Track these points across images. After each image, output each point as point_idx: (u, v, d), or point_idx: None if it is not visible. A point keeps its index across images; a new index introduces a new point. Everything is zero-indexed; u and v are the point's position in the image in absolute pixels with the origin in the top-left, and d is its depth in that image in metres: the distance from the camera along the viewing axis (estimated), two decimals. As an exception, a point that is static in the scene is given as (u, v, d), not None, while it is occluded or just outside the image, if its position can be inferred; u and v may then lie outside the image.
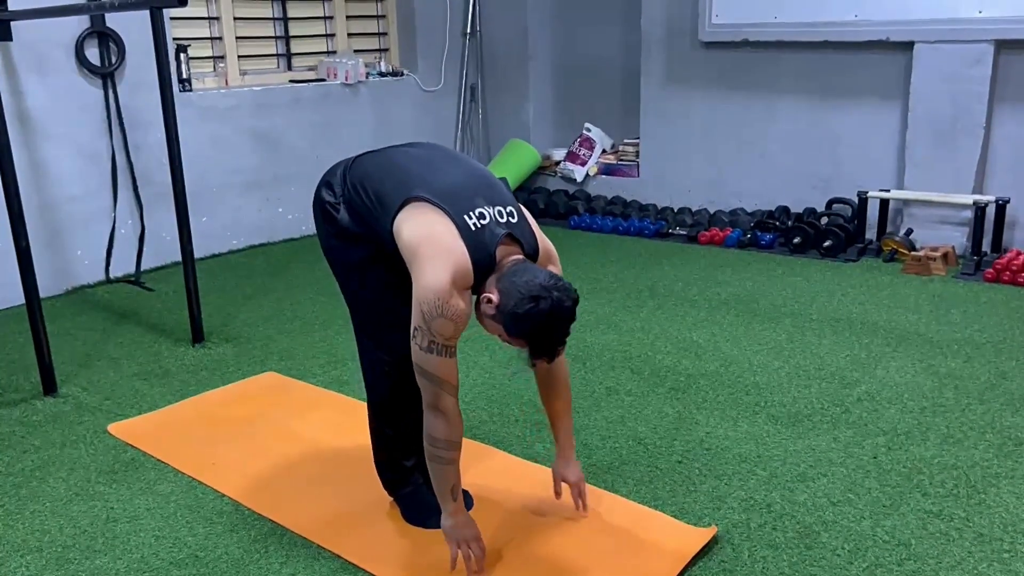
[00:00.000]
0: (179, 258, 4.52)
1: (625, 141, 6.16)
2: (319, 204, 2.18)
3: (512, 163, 6.11)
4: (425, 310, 1.88)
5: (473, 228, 1.92)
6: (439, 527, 2.11)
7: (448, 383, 1.94)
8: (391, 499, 2.42)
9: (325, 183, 2.18)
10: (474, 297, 1.98)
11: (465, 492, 2.38)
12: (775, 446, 2.73)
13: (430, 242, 1.92)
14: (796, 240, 4.97)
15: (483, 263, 1.92)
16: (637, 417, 2.95)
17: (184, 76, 4.91)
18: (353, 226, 2.11)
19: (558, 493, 2.32)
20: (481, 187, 2.02)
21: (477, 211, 1.95)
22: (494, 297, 1.90)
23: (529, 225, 2.05)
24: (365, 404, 2.35)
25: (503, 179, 2.14)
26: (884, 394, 3.08)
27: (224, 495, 2.51)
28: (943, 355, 3.42)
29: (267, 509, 2.43)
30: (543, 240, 2.08)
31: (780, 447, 2.72)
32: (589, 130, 6.17)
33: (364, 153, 2.19)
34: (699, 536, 2.22)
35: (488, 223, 1.94)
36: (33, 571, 2.19)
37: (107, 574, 2.17)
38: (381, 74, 5.92)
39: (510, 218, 1.99)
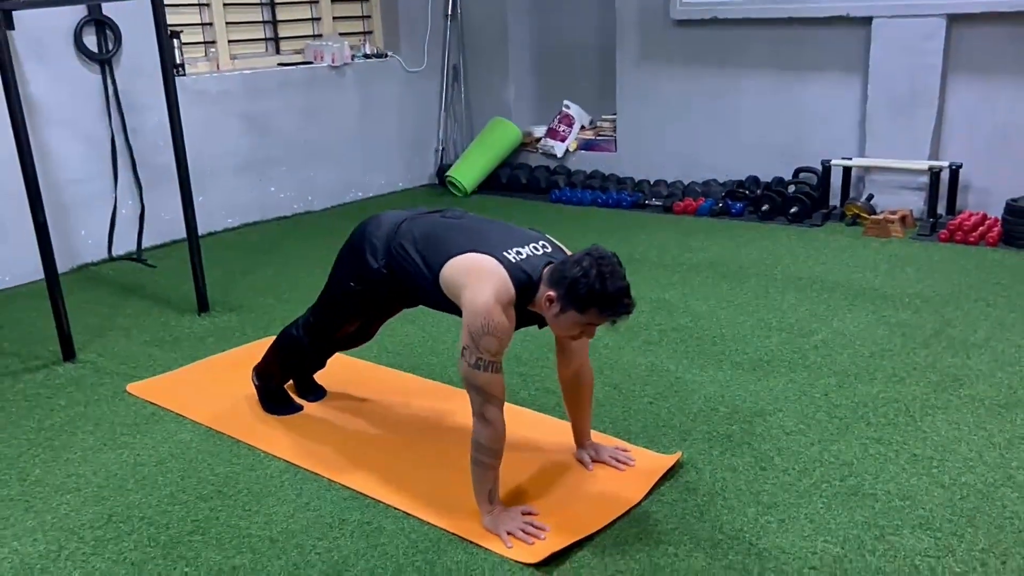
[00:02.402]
0: (178, 236, 4.82)
1: (603, 117, 6.42)
2: (361, 256, 2.47)
3: (495, 141, 6.35)
4: (473, 331, 2.12)
5: (514, 260, 2.20)
6: (286, 415, 2.83)
7: (494, 396, 2.16)
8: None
9: (370, 244, 2.46)
10: (523, 316, 2.21)
11: (320, 388, 3.03)
12: (737, 388, 3.02)
13: (473, 272, 2.19)
14: (764, 208, 5.25)
15: (524, 283, 2.16)
16: (613, 367, 3.23)
17: (178, 61, 5.11)
18: (383, 274, 2.43)
19: (587, 466, 2.54)
20: (513, 235, 2.31)
21: (514, 250, 2.23)
22: (551, 293, 2.12)
23: (563, 251, 2.32)
24: (362, 361, 2.88)
25: (536, 230, 2.41)
26: (838, 342, 3.37)
27: (240, 441, 2.78)
28: (895, 308, 3.71)
29: (280, 450, 2.70)
30: None
31: (742, 389, 3.01)
32: (568, 107, 6.41)
33: (403, 224, 2.44)
34: (666, 460, 2.51)
35: (526, 256, 2.22)
36: (74, 507, 2.45)
37: (141, 507, 2.43)
38: (366, 56, 6.15)
39: (544, 249, 2.27)
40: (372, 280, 2.48)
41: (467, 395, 2.83)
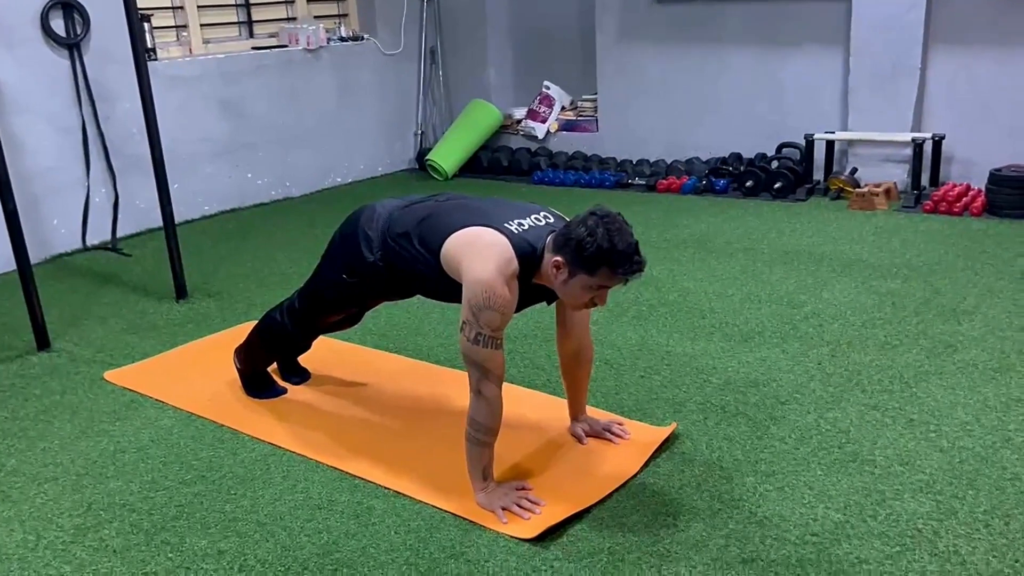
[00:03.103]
0: (153, 224, 4.71)
1: (583, 97, 6.35)
2: (354, 248, 2.38)
3: (475, 123, 6.28)
4: (474, 304, 2.04)
5: (516, 231, 2.12)
6: (269, 398, 2.79)
7: (493, 372, 2.08)
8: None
9: (364, 236, 2.37)
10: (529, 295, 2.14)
11: (304, 370, 2.97)
12: (729, 359, 2.98)
13: (473, 244, 2.11)
14: (748, 183, 5.21)
15: (528, 253, 2.08)
16: (603, 342, 3.17)
17: (149, 46, 4.99)
18: (378, 267, 2.35)
19: (582, 440, 2.48)
20: (514, 208, 2.24)
21: (516, 221, 2.15)
22: (558, 259, 2.03)
23: (565, 220, 2.23)
24: (346, 343, 2.88)
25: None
26: (829, 312, 3.34)
27: (223, 425, 2.70)
28: (883, 278, 3.69)
29: (264, 433, 2.63)
30: None
31: (734, 360, 2.97)
32: (548, 88, 6.35)
33: (396, 212, 2.36)
34: (661, 432, 2.46)
35: (529, 227, 2.14)
36: (52, 496, 2.37)
37: (122, 494, 2.35)
38: (342, 39, 6.04)
39: (547, 219, 2.20)
40: (367, 273, 2.39)
41: (456, 375, 2.78)
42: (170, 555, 2.08)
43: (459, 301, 2.12)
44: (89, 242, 4.81)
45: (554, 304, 2.35)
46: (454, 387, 2.79)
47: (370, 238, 2.37)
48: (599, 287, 2.04)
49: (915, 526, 2.02)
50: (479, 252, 2.08)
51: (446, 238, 2.17)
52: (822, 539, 2.00)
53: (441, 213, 2.27)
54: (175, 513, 2.25)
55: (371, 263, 2.36)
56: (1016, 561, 1.89)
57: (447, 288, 2.21)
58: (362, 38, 6.16)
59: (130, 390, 2.99)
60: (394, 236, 2.32)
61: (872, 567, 1.89)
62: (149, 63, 4.90)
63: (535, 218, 2.19)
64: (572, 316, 2.34)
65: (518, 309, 2.18)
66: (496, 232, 2.10)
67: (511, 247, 2.07)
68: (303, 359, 3.02)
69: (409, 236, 2.27)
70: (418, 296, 2.48)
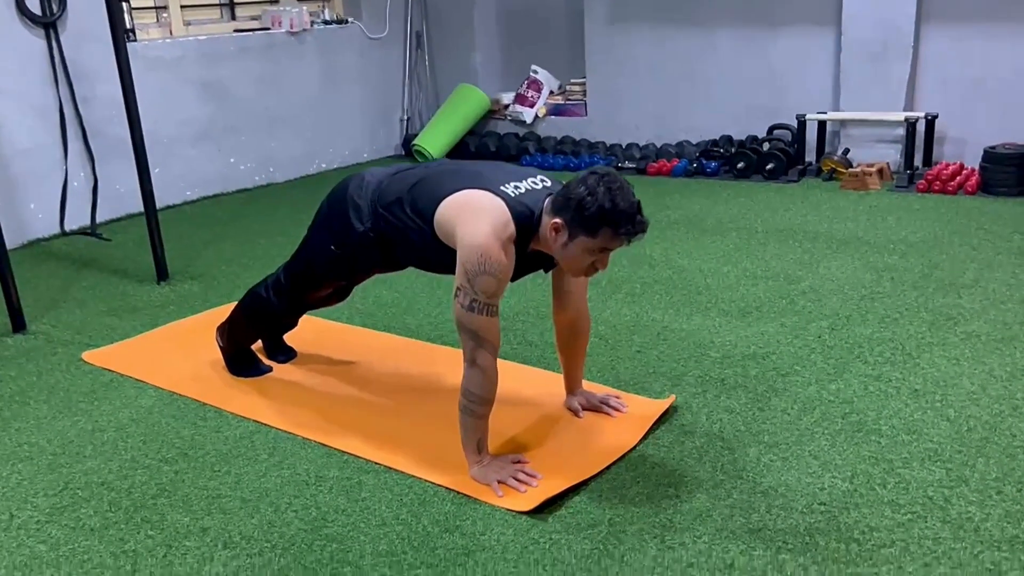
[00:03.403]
0: (134, 210, 4.59)
1: (572, 81, 6.27)
2: (343, 218, 2.28)
3: (462, 108, 6.18)
4: (468, 268, 1.94)
5: (513, 194, 2.02)
6: (254, 377, 2.71)
7: (488, 341, 1.99)
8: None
9: (354, 205, 2.26)
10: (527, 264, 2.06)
11: (290, 348, 2.88)
12: (727, 333, 2.90)
13: (468, 207, 2.01)
14: (740, 165, 5.15)
15: (526, 217, 1.99)
16: (597, 319, 3.08)
17: (128, 26, 4.88)
18: (369, 238, 2.25)
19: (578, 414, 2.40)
20: (507, 171, 2.15)
21: (512, 184, 2.05)
22: (557, 221, 1.94)
23: (562, 185, 2.15)
24: (330, 321, 2.89)
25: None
26: (827, 287, 3.28)
27: (206, 404, 2.60)
28: (880, 254, 3.63)
29: (249, 411, 2.53)
30: None
31: (732, 334, 2.90)
32: (536, 72, 6.26)
33: (386, 180, 2.26)
34: (659, 405, 2.39)
35: (526, 190, 2.05)
36: (26, 476, 2.26)
37: (100, 473, 2.25)
38: (326, 22, 5.94)
39: (544, 183, 2.10)
40: (357, 243, 2.29)
41: (448, 352, 2.70)
42: (150, 533, 1.98)
43: (454, 272, 2.02)
44: (67, 227, 4.69)
45: (550, 275, 2.27)
46: (446, 364, 2.71)
47: (359, 207, 2.27)
48: (600, 250, 1.95)
49: (926, 494, 1.96)
50: (474, 215, 1.99)
51: (439, 203, 2.07)
52: (830, 508, 1.92)
53: (433, 178, 2.18)
54: (155, 491, 2.15)
55: (361, 233, 2.27)
56: (1032, 527, 1.82)
57: (441, 257, 2.11)
58: (346, 21, 6.05)
59: (109, 370, 2.89)
60: (385, 204, 2.22)
61: (883, 535, 1.82)
62: (128, 44, 4.81)
63: (532, 182, 2.10)
64: (569, 284, 2.26)
65: (515, 277, 2.09)
66: (492, 195, 2.02)
67: (508, 210, 1.98)
68: (289, 337, 2.92)
69: (401, 203, 2.18)
70: (407, 275, 2.39)
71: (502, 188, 2.03)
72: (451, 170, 2.22)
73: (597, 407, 2.40)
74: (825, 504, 1.94)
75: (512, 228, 1.98)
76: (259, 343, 2.89)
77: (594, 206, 1.88)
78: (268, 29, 5.62)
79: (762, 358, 2.70)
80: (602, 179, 1.90)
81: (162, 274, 3.77)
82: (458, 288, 1.98)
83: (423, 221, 2.11)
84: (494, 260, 1.94)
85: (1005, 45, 4.63)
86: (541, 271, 2.22)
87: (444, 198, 2.07)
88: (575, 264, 2.00)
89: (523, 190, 2.05)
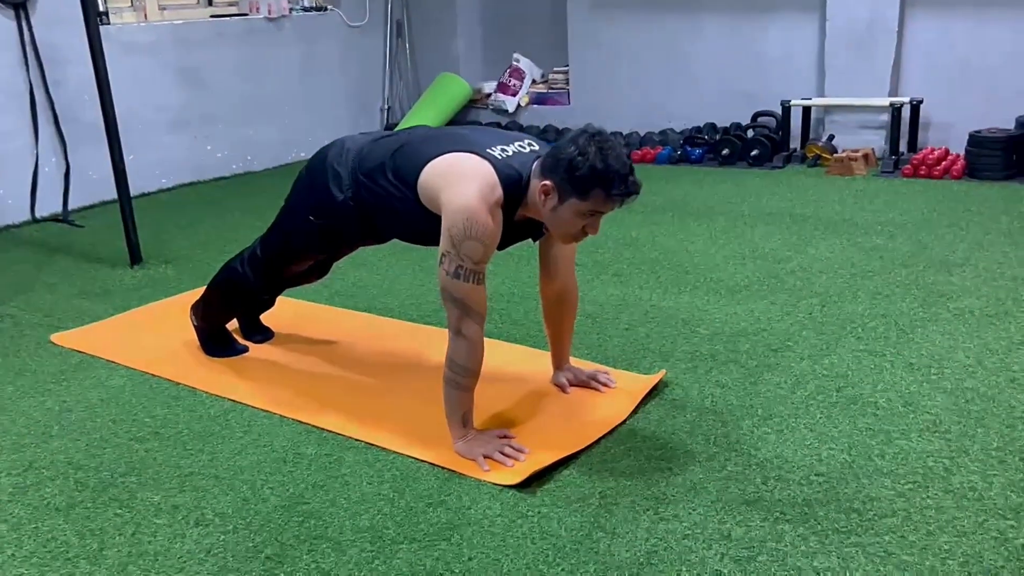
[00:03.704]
0: (107, 196, 4.47)
1: (555, 70, 6.20)
2: (322, 186, 2.18)
3: (443, 97, 6.10)
4: (454, 233, 1.85)
5: (500, 156, 1.93)
6: (229, 357, 2.61)
7: (474, 310, 1.91)
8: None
9: (333, 173, 2.17)
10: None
11: (267, 329, 2.77)
12: (716, 311, 2.84)
13: (453, 170, 1.92)
14: (725, 152, 5.10)
15: (514, 180, 1.90)
16: (584, 299, 2.99)
17: (101, 9, 4.76)
18: (349, 207, 2.15)
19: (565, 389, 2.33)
20: (495, 135, 2.06)
21: (499, 147, 1.96)
22: (547, 183, 1.86)
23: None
24: (303, 301, 2.82)
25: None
26: (816, 267, 3.22)
27: (180, 383, 2.51)
28: (868, 234, 3.58)
29: (224, 390, 2.44)
30: None
31: (721, 311, 2.83)
32: (518, 61, 6.19)
33: (367, 146, 2.17)
34: (649, 380, 2.32)
35: (513, 153, 1.96)
36: (-12, 456, 2.16)
37: (67, 453, 2.15)
38: (305, 9, 5.83)
39: (532, 147, 2.01)
40: (336, 213, 2.19)
41: (430, 331, 2.61)
42: (119, 511, 1.89)
43: (439, 242, 1.94)
44: (38, 213, 4.56)
45: (536, 246, 2.19)
46: (429, 343, 2.63)
47: (339, 175, 2.18)
48: (591, 213, 1.87)
49: (926, 464, 1.90)
50: (460, 178, 1.90)
51: (423, 167, 1.98)
52: (828, 479, 1.86)
53: (417, 142, 2.09)
54: (125, 470, 2.06)
55: (341, 202, 2.17)
56: (1036, 495, 1.77)
57: (425, 225, 2.01)
58: (326, 8, 5.95)
59: (79, 352, 2.78)
60: (366, 171, 2.13)
61: (884, 504, 1.76)
62: (101, 27, 4.70)
63: (519, 145, 2.02)
64: (557, 255, 2.18)
65: (502, 246, 2.01)
66: (479, 158, 1.93)
67: (495, 173, 1.90)
68: (266, 318, 2.83)
69: (383, 169, 2.08)
70: (388, 256, 2.30)
71: (489, 151, 1.95)
72: (435, 134, 2.14)
73: (585, 383, 2.32)
74: (823, 475, 1.88)
75: (499, 192, 1.90)
76: (235, 324, 2.80)
77: (585, 166, 1.80)
78: (246, 15, 5.51)
79: (753, 335, 2.64)
80: (593, 138, 1.83)
81: (135, 258, 3.66)
82: (443, 254, 1.89)
83: (406, 187, 2.02)
84: (481, 224, 1.85)
85: (989, 29, 4.61)
86: (530, 240, 2.14)
87: (428, 162, 1.98)
88: (565, 229, 1.92)
89: (510, 153, 1.97)
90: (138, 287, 3.42)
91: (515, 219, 1.98)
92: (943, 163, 4.53)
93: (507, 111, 6.15)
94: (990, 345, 2.47)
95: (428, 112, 6.06)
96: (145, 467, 2.07)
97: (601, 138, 1.83)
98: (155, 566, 1.70)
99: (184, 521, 1.84)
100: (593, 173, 1.80)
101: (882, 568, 1.58)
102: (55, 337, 2.90)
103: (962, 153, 4.57)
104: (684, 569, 1.60)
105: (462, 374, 1.97)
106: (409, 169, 2.02)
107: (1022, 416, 2.08)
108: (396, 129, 5.88)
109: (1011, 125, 4.49)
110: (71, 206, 4.65)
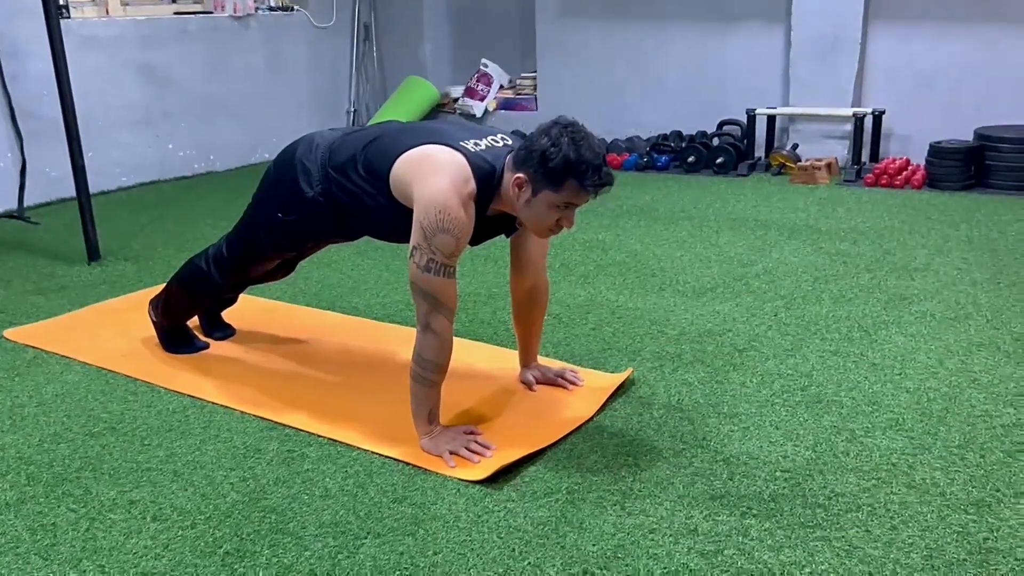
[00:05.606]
0: (65, 194, 4.38)
1: (522, 75, 6.21)
2: (291, 182, 2.15)
3: (410, 100, 6.08)
4: (425, 225, 1.82)
5: (473, 149, 1.91)
6: (189, 353, 2.56)
7: (444, 304, 1.88)
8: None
9: (303, 169, 2.13)
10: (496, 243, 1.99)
11: (228, 326, 2.72)
12: (683, 312, 2.85)
13: (425, 162, 1.89)
14: (690, 159, 5.14)
15: (487, 174, 1.87)
16: (551, 300, 2.94)
17: (61, 2, 4.67)
18: (319, 203, 2.12)
19: (532, 387, 2.31)
20: (468, 128, 2.04)
21: (472, 141, 1.94)
22: (520, 175, 1.84)
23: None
24: (265, 299, 2.73)
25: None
26: (780, 270, 3.25)
27: (137, 379, 2.45)
28: (832, 240, 3.62)
29: (184, 386, 2.39)
30: None
31: (687, 312, 2.84)
32: (486, 66, 6.19)
33: (337, 141, 2.14)
34: (616, 378, 2.31)
35: (487, 147, 1.94)
36: (-64, 451, 2.09)
37: (18, 448, 2.09)
38: (271, 8, 5.78)
39: (505, 141, 1.99)
40: (306, 210, 2.15)
41: (396, 330, 2.59)
42: (72, 506, 1.83)
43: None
44: (-7, 210, 4.46)
45: (506, 246, 2.18)
46: (395, 342, 2.60)
47: (309, 171, 2.14)
48: (566, 204, 1.86)
49: (889, 460, 1.91)
50: (432, 170, 1.88)
51: (395, 159, 1.96)
52: (794, 475, 1.86)
53: (389, 135, 2.06)
54: (79, 465, 2.00)
55: (311, 199, 2.14)
56: (997, 490, 1.78)
57: (397, 220, 1.98)
58: (292, 9, 5.91)
59: (33, 347, 2.71)
60: (336, 166, 2.10)
61: (849, 500, 1.77)
62: (62, 21, 4.61)
63: (492, 139, 2.01)
64: (528, 250, 2.17)
65: (475, 242, 2.00)
66: (451, 150, 1.91)
67: (468, 165, 1.88)
68: (227, 315, 2.78)
69: (354, 162, 2.05)
70: (354, 256, 2.27)
71: (462, 144, 1.93)
72: (408, 128, 2.11)
73: (552, 380, 2.31)
74: (788, 472, 1.88)
75: (473, 184, 1.88)
76: (195, 321, 2.74)
77: (558, 156, 1.79)
78: (211, 12, 5.45)
79: (719, 335, 2.65)
80: (566, 129, 1.82)
81: (93, 254, 3.58)
82: (414, 247, 1.87)
83: (378, 180, 2.00)
84: (453, 217, 1.83)
85: (950, 42, 4.70)
86: (499, 239, 2.13)
87: (400, 155, 1.96)
88: (539, 222, 1.91)
89: (484, 146, 1.96)
90: (96, 284, 3.35)
91: (488, 214, 1.96)
92: (904, 173, 4.61)
93: (474, 116, 6.14)
94: (951, 347, 2.50)
95: (395, 115, 6.02)
96: (100, 462, 2.01)
97: (574, 129, 1.83)
98: (109, 561, 1.65)
99: (141, 516, 1.79)
100: (566, 164, 1.79)
101: (847, 561, 1.58)
102: (8, 333, 2.82)
103: (923, 163, 4.65)
104: (651, 563, 1.59)
105: (430, 369, 1.95)
106: (381, 162, 2.00)
107: (982, 415, 2.10)
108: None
109: (970, 136, 4.57)
110: (28, 203, 4.55)
